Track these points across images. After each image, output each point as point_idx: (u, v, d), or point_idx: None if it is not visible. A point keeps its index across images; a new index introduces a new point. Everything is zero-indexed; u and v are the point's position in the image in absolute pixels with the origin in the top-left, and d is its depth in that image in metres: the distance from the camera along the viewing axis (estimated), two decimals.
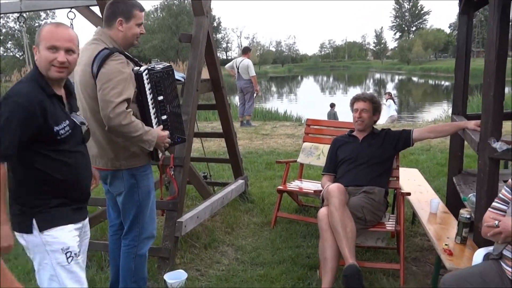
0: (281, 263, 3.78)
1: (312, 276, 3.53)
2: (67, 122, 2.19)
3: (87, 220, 2.47)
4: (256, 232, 4.50)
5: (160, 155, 2.92)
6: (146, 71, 2.75)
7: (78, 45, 2.26)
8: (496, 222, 2.26)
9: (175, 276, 3.47)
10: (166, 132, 2.83)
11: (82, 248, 2.41)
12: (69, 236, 2.23)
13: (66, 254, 2.21)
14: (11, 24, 52.24)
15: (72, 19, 4.71)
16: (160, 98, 2.84)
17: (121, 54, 2.69)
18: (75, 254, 2.25)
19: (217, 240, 4.27)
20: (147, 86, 2.75)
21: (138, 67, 2.78)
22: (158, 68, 2.84)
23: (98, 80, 2.60)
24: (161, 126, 2.82)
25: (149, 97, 2.77)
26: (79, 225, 2.33)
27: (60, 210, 2.22)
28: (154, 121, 2.81)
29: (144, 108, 2.77)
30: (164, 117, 2.87)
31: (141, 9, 2.83)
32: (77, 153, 2.27)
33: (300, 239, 4.28)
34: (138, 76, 2.71)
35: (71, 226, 2.25)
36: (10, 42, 53.07)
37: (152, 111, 2.79)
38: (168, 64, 2.99)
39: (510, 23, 2.98)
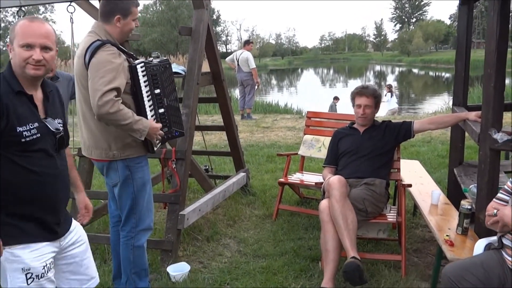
0: (283, 255, 3.80)
1: (314, 267, 3.55)
2: (36, 125, 1.99)
3: (74, 229, 2.28)
4: (258, 225, 4.52)
5: (155, 146, 2.92)
6: (142, 64, 2.79)
7: (56, 40, 2.10)
8: (495, 211, 2.28)
9: (178, 269, 3.49)
10: (159, 125, 2.83)
11: (77, 259, 2.27)
12: (32, 256, 2.00)
13: (26, 275, 1.99)
14: (10, 18, 52.17)
15: (72, 13, 4.71)
16: (157, 91, 2.87)
17: (114, 46, 2.72)
18: (37, 276, 2.01)
19: (219, 233, 4.29)
20: (142, 79, 2.78)
21: (133, 60, 2.82)
22: (155, 62, 2.88)
23: (89, 70, 2.64)
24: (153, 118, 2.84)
25: (145, 89, 2.80)
26: (52, 243, 2.11)
27: (24, 226, 2.00)
28: (150, 114, 2.84)
29: (138, 100, 2.79)
30: (161, 110, 2.90)
31: (137, 4, 2.88)
32: (48, 162, 2.05)
33: (302, 231, 4.29)
34: (131, 69, 2.75)
35: (37, 245, 2.03)
36: (9, 37, 52.94)
37: (147, 104, 2.82)
38: (165, 58, 3.02)
39: (511, 14, 2.97)
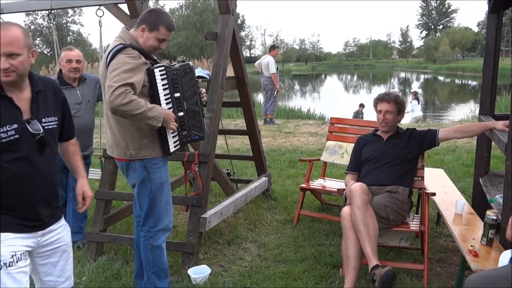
0: (303, 260, 3.79)
1: (335, 274, 3.53)
2: (15, 126, 2.02)
3: (56, 228, 2.28)
4: (279, 230, 4.52)
5: (172, 148, 2.95)
6: (162, 68, 2.85)
7: (27, 43, 2.06)
8: None
9: (199, 271, 3.51)
10: (174, 116, 2.87)
11: (53, 259, 2.27)
12: (1, 244, 2.04)
13: None
14: (40, 21, 53.46)
15: (100, 17, 4.82)
16: (177, 95, 2.92)
17: (136, 50, 2.79)
18: (5, 264, 2.03)
19: (240, 237, 4.30)
20: (161, 82, 2.84)
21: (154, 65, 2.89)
22: (176, 66, 2.94)
23: (107, 71, 2.72)
24: (166, 101, 2.87)
25: (163, 93, 2.86)
26: (26, 235, 2.13)
27: None
28: None
29: (156, 103, 2.84)
30: (181, 114, 2.95)
31: (169, 28, 2.91)
32: (25, 162, 2.08)
33: (323, 237, 4.28)
34: (149, 72, 2.82)
35: (7, 235, 2.06)
36: (38, 39, 54.24)
37: (166, 107, 2.87)
38: (187, 63, 3.07)
39: None
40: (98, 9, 4.71)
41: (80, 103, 4.08)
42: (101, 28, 4.99)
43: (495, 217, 2.98)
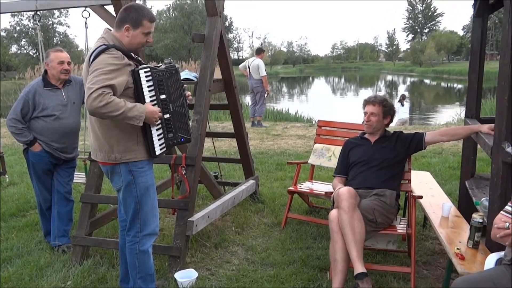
0: (291, 264, 3.79)
1: (322, 277, 3.53)
2: None
3: None
4: (267, 233, 4.50)
5: (158, 151, 2.92)
6: (148, 69, 2.82)
7: None
8: (507, 223, 2.25)
9: (186, 275, 3.49)
10: (157, 108, 2.83)
11: None
12: None
13: None
14: (25, 22, 52.85)
15: (86, 18, 4.77)
16: (163, 97, 2.90)
17: (119, 51, 2.75)
18: None
19: (227, 240, 4.28)
20: (146, 84, 2.81)
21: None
22: (162, 67, 2.92)
23: (89, 71, 2.69)
24: (151, 102, 2.83)
25: (148, 94, 2.82)
26: None
27: None
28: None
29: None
30: (166, 116, 2.92)
31: (151, 19, 2.88)
32: None
33: (311, 240, 4.27)
34: (134, 73, 2.78)
35: None
36: (24, 40, 53.67)
37: None
38: (173, 64, 3.04)
39: None
40: (84, 10, 4.67)
41: (65, 105, 4.04)
42: (87, 30, 4.94)
43: (481, 220, 3.00)
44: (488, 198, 3.20)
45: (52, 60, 3.98)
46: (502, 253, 2.48)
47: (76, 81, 4.19)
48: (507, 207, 2.39)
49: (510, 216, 2.33)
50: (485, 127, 3.46)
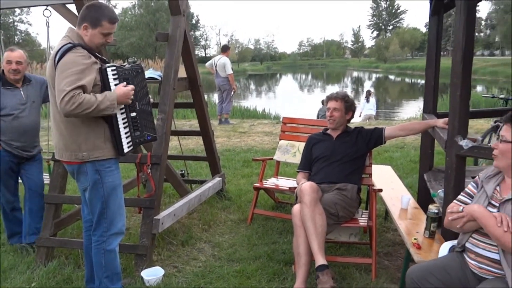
0: (257, 259, 3.85)
1: (287, 271, 3.61)
2: None
3: None
4: (233, 229, 4.56)
5: (125, 149, 2.92)
6: (114, 68, 2.83)
7: None
8: (461, 207, 2.36)
9: (152, 273, 3.50)
10: (130, 87, 2.85)
11: None
12: None
13: None
14: None
15: (48, 17, 4.70)
16: None
17: (85, 50, 2.74)
18: None
19: (194, 237, 4.31)
20: (113, 82, 2.82)
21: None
22: (127, 66, 2.93)
23: (56, 71, 2.67)
24: (123, 84, 2.85)
25: None
26: None
27: None
28: (121, 117, 2.88)
29: None
30: (133, 114, 2.94)
31: (112, 20, 2.86)
32: None
33: (276, 235, 4.35)
34: (102, 71, 2.78)
35: None
36: None
37: (118, 107, 2.84)
38: (138, 63, 3.06)
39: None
40: (45, 9, 4.60)
41: (24, 104, 3.99)
42: (48, 29, 4.86)
43: (436, 211, 3.12)
44: (443, 189, 3.33)
45: (3, 59, 3.94)
46: (455, 241, 2.60)
47: (37, 81, 4.14)
48: (460, 196, 2.52)
49: (461, 204, 2.45)
50: (440, 122, 3.60)
